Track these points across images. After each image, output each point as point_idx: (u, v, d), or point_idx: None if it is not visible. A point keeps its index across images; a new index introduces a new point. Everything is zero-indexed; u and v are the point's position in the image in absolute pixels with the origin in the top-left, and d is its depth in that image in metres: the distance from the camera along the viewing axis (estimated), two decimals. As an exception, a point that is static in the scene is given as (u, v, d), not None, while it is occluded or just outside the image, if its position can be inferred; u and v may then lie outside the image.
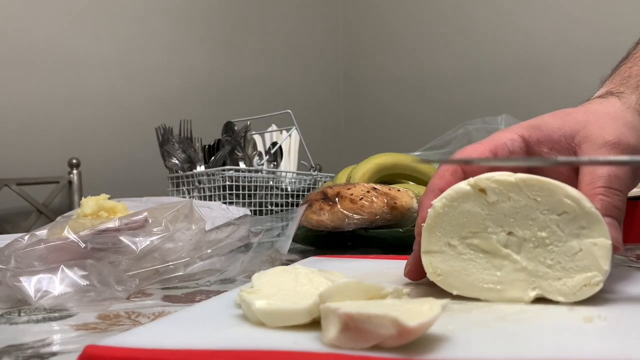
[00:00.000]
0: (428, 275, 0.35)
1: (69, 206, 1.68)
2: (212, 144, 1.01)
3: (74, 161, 1.70)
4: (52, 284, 0.40)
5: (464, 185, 0.34)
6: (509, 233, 0.33)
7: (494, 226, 0.33)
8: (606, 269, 0.31)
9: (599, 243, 0.31)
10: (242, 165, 0.97)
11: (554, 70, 1.94)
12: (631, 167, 0.38)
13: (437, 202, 0.35)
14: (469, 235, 0.34)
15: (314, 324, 0.27)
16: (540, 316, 0.30)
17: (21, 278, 0.40)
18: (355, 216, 0.63)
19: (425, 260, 0.35)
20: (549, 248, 0.32)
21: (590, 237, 0.31)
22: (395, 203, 0.64)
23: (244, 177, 0.93)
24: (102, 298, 0.41)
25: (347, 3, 2.63)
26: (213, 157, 0.98)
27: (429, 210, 0.35)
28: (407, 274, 0.39)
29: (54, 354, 0.30)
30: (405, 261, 0.39)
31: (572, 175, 0.40)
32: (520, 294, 0.33)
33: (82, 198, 0.63)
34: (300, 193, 1.00)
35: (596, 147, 0.38)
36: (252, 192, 0.94)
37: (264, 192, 0.95)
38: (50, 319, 0.37)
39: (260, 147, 1.10)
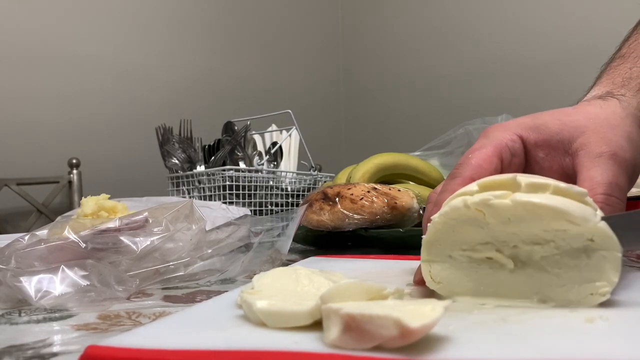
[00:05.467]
0: (427, 284, 0.35)
1: (69, 206, 1.68)
2: (212, 144, 1.01)
3: (74, 161, 1.70)
4: (52, 284, 0.40)
5: (459, 204, 0.33)
6: (514, 246, 0.32)
7: (496, 242, 0.33)
8: (615, 280, 0.31)
9: (609, 256, 0.31)
10: (242, 165, 0.97)
11: (554, 70, 1.94)
12: (626, 175, 0.38)
13: (437, 218, 0.34)
14: (469, 248, 0.33)
15: (316, 325, 0.27)
16: (541, 317, 0.30)
17: (21, 278, 0.40)
18: (356, 216, 0.63)
19: (424, 268, 0.35)
20: (556, 258, 0.32)
21: (599, 249, 0.31)
22: (396, 203, 0.64)
23: (244, 177, 0.93)
24: (103, 298, 0.41)
25: (347, 3, 2.63)
26: (213, 157, 0.98)
27: (428, 225, 0.34)
28: (419, 282, 0.38)
29: (54, 354, 0.30)
30: (405, 261, 0.39)
31: (566, 180, 0.40)
32: (522, 297, 0.33)
33: (82, 198, 0.63)
34: (300, 193, 1.00)
35: (593, 157, 0.38)
36: (252, 192, 0.94)
37: (264, 192, 0.95)
38: (51, 319, 0.37)
39: (260, 147, 1.09)
